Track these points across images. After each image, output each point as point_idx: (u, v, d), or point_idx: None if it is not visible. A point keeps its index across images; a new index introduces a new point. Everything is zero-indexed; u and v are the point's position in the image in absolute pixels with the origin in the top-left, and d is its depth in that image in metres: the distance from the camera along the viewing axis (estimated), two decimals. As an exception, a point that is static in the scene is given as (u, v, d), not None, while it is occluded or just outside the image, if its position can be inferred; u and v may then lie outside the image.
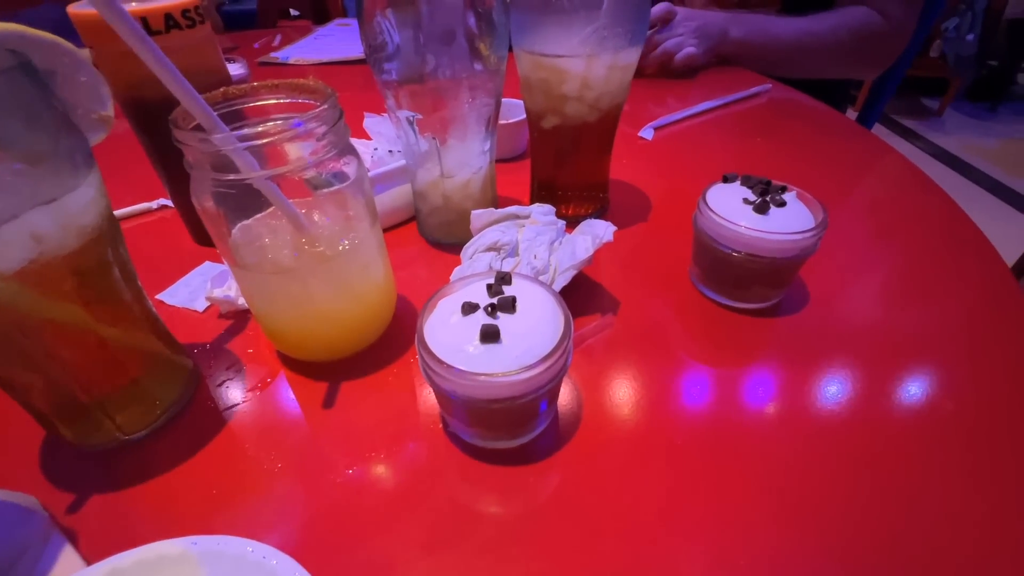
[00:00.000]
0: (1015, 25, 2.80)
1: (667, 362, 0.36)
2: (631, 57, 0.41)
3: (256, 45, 1.23)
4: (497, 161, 0.61)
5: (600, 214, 0.51)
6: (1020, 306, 0.39)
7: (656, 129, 0.69)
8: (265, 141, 0.26)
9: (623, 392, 0.34)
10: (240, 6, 3.67)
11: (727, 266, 0.37)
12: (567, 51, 0.40)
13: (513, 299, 0.28)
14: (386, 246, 0.37)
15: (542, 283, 0.30)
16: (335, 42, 1.19)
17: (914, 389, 0.33)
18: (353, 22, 1.34)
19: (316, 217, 0.33)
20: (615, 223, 0.50)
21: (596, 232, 0.37)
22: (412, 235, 0.50)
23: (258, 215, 0.31)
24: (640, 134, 0.68)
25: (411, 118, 0.40)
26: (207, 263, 0.46)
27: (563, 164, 0.48)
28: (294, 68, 1.03)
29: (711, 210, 0.37)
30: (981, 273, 0.43)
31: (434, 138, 0.41)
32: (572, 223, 0.50)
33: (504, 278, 0.30)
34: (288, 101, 0.31)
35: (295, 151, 0.29)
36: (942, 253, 0.46)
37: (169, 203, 0.55)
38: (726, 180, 0.40)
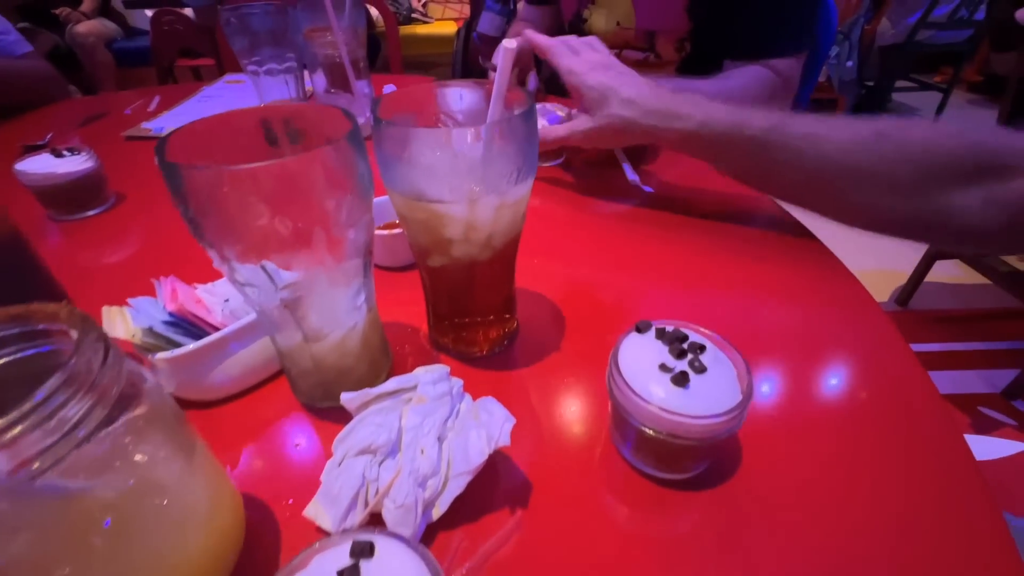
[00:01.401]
0: (885, 51, 3.14)
1: (589, 565, 0.30)
2: (520, 192, 0.36)
3: (127, 111, 1.09)
4: (384, 269, 0.53)
5: (510, 340, 0.45)
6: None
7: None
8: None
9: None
10: (133, 42, 3.34)
11: (645, 441, 0.32)
12: (445, 196, 0.34)
13: (368, 603, 0.21)
14: (224, 469, 0.29)
15: (414, 549, 0.23)
16: (221, 105, 1.08)
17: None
18: (245, 77, 1.22)
19: (91, 483, 0.23)
20: (525, 352, 0.44)
21: (491, 432, 0.30)
22: (283, 392, 0.41)
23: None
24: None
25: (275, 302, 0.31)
26: None
27: (459, 299, 0.42)
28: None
29: (624, 379, 0.31)
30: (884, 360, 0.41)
31: (286, 308, 0.33)
32: (479, 361, 0.43)
33: (364, 550, 0.23)
34: (30, 330, 0.23)
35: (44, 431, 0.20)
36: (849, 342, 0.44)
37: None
38: (639, 330, 0.35)
